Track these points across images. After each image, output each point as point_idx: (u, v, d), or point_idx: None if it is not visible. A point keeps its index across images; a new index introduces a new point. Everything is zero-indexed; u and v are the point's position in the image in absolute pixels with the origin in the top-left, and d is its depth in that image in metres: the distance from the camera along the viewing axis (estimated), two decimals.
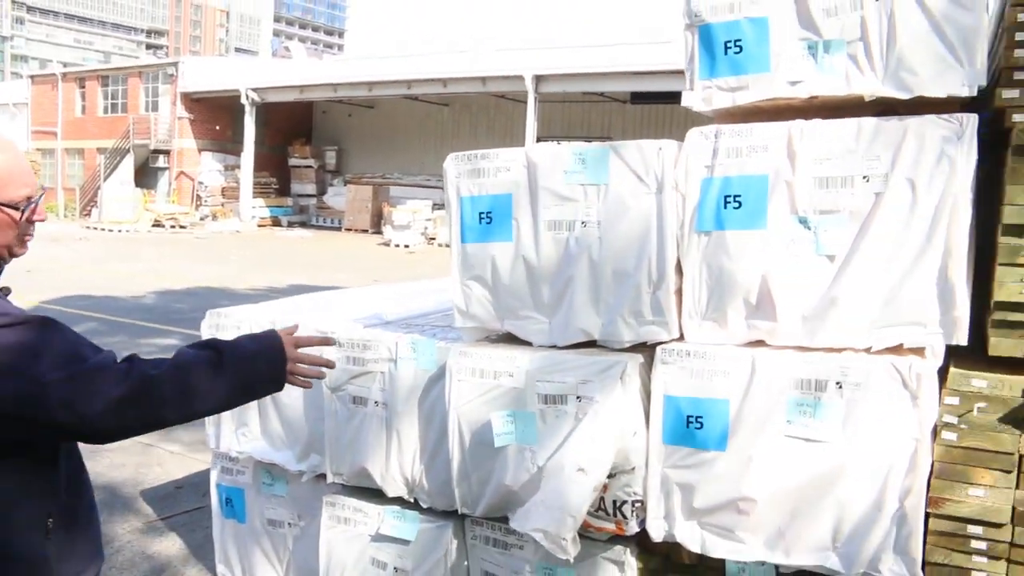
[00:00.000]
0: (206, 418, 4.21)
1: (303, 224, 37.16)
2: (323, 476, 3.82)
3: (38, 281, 15.66)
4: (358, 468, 3.66)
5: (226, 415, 4.12)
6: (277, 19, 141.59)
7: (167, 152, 37.78)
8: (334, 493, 3.79)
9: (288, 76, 35.97)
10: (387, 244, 28.64)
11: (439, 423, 3.41)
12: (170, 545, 4.92)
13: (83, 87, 41.71)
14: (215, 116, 37.61)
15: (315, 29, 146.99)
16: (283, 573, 4.19)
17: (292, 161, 38.98)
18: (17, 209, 1.90)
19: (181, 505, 5.41)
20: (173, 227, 32.63)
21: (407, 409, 3.51)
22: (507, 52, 32.35)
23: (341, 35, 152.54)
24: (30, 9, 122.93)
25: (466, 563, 3.56)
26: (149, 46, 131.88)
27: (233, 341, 2.17)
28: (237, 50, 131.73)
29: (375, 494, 3.67)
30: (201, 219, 35.24)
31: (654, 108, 30.54)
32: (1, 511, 1.85)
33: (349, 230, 34.42)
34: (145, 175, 38.30)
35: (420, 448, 3.51)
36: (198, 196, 37.35)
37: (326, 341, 2.64)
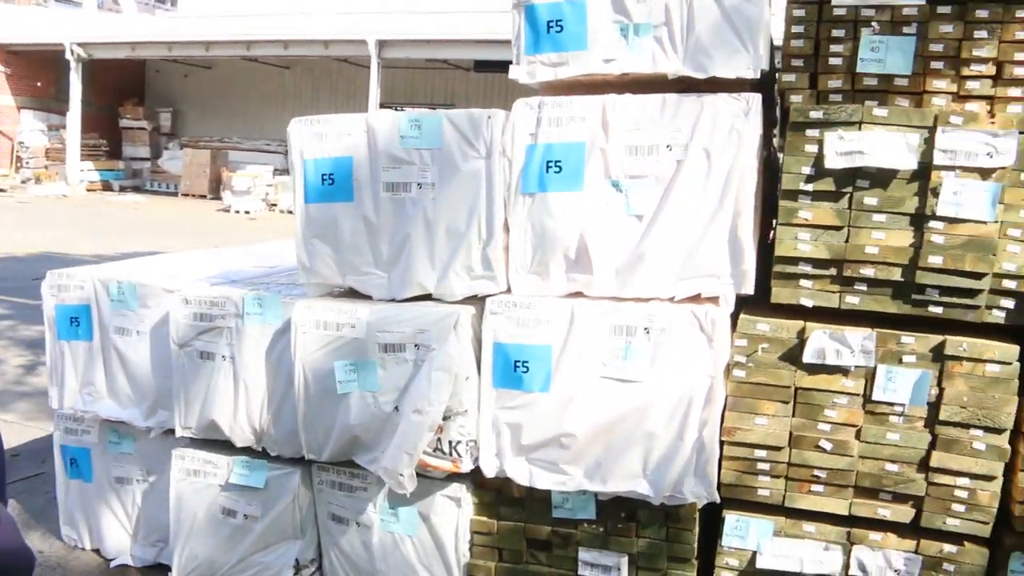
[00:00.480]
0: (49, 381, 4.26)
1: (136, 189, 35.54)
2: (171, 431, 3.93)
3: None
4: (207, 421, 3.79)
5: (69, 374, 4.15)
6: None
7: None
8: (183, 447, 3.91)
9: (118, 31, 34.09)
10: (227, 210, 27.85)
11: (285, 374, 3.60)
12: (9, 512, 4.88)
13: None
14: (36, 71, 35.27)
15: None
16: (131, 529, 4.27)
17: (123, 122, 37.08)
18: None
19: (19, 472, 5.35)
20: None
21: (254, 362, 3.67)
22: (350, 16, 31.80)
23: None
24: None
25: (314, 507, 3.78)
26: None
27: None
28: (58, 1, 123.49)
29: (224, 445, 3.83)
30: (23, 182, 33.15)
31: (497, 77, 30.79)
32: None
33: (186, 195, 33.21)
34: None
35: (267, 399, 3.68)
36: (19, 157, 35.05)
37: None
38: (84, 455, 4.29)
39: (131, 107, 37.14)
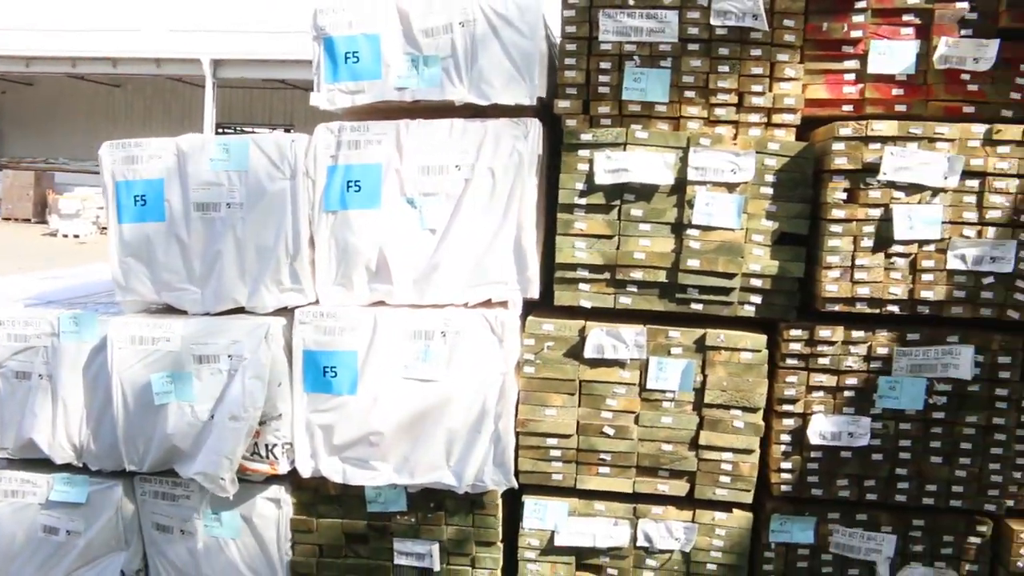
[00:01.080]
0: None
1: None
2: None
3: None
4: (24, 440, 3.84)
5: None
6: None
7: None
8: (1, 469, 3.94)
9: None
10: (54, 234, 26.64)
11: (103, 390, 3.70)
12: None
13: None
14: None
15: None
16: None
17: None
18: None
19: None
20: None
21: (72, 379, 3.75)
22: (183, 33, 31.08)
23: None
24: None
25: (138, 518, 3.88)
26: None
27: None
28: None
29: (43, 464, 3.88)
30: None
31: None
32: None
33: (7, 219, 31.58)
34: None
35: (86, 414, 3.77)
36: None
37: None
38: None
39: None
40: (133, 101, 34.36)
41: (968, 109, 3.38)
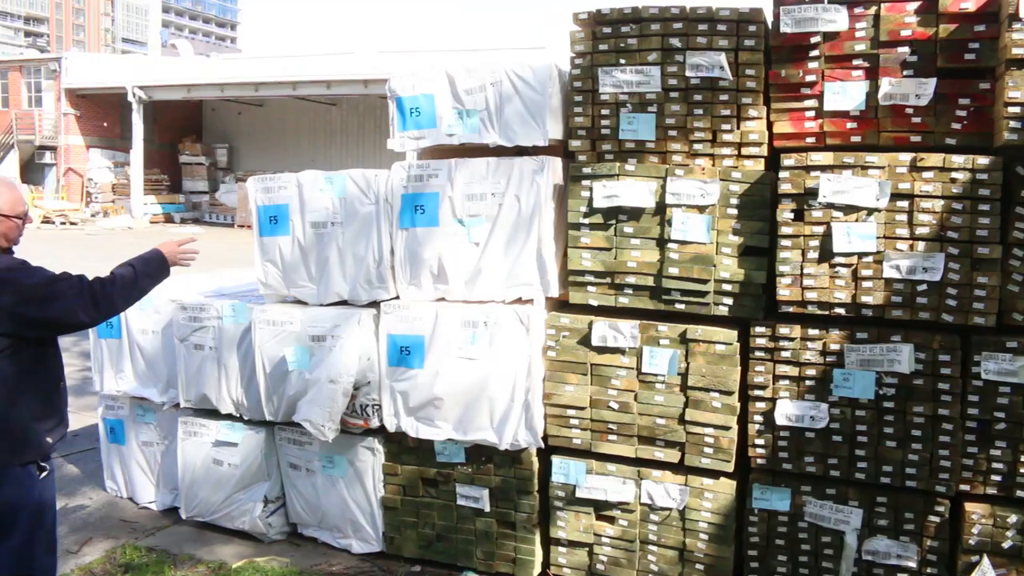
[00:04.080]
0: (93, 371, 5.65)
1: (196, 220, 37.47)
2: (178, 404, 5.36)
3: None
4: (200, 395, 5.20)
5: (107, 364, 5.60)
6: (166, 9, 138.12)
7: (53, 148, 37.74)
8: (186, 415, 5.32)
9: (175, 75, 36.25)
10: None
11: (251, 359, 4.98)
12: (70, 471, 6.34)
13: None
14: (102, 113, 37.69)
15: (206, 20, 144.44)
16: (155, 480, 5.68)
17: (183, 158, 39.28)
18: (21, 219, 3.43)
19: (78, 447, 6.82)
20: (63, 223, 32.82)
21: (230, 351, 5.07)
22: (388, 55, 33.49)
23: (233, 27, 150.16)
24: None
25: (276, 457, 5.15)
26: (28, 34, 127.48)
27: (139, 257, 3.65)
28: (124, 40, 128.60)
29: (213, 413, 5.23)
30: (92, 216, 35.42)
31: None
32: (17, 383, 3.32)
33: (241, 226, 34.88)
34: (31, 171, 38.20)
35: (240, 377, 5.07)
36: (88, 193, 37.45)
37: (191, 239, 3.96)
38: (119, 425, 5.74)
39: (190, 144, 39.22)
40: (347, 118, 36.92)
41: (916, 138, 3.91)
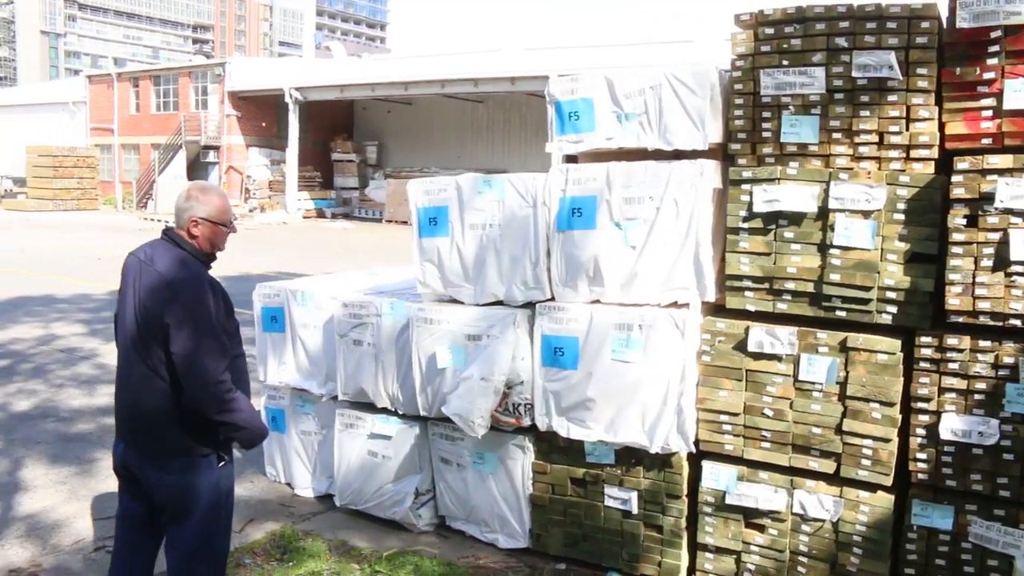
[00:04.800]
0: (257, 362, 5.96)
1: (346, 216, 38.84)
2: (336, 397, 5.58)
3: (108, 270, 17.69)
4: (358, 389, 5.41)
5: (270, 356, 5.90)
6: (320, 13, 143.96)
7: (217, 148, 39.86)
8: (344, 408, 5.55)
9: (329, 76, 37.70)
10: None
11: (407, 356, 5.14)
12: (234, 455, 6.71)
13: (137, 86, 43.95)
14: (261, 113, 39.59)
15: (357, 22, 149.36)
16: (311, 468, 5.95)
17: (335, 156, 40.79)
18: (227, 226, 3.65)
19: None
20: None
21: (388, 347, 5.25)
22: (534, 52, 33.78)
23: (383, 27, 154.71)
24: (81, 7, 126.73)
25: (428, 451, 5.31)
26: (195, 41, 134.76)
27: (253, 416, 3.70)
28: (281, 43, 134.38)
29: (369, 406, 5.42)
30: (250, 211, 37.19)
31: None
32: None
33: (390, 222, 35.96)
34: (196, 169, 40.42)
35: (396, 373, 5.24)
36: (247, 189, 39.38)
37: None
38: (280, 414, 6.04)
39: (341, 142, 40.68)
40: (494, 115, 37.48)
41: None
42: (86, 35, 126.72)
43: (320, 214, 38.16)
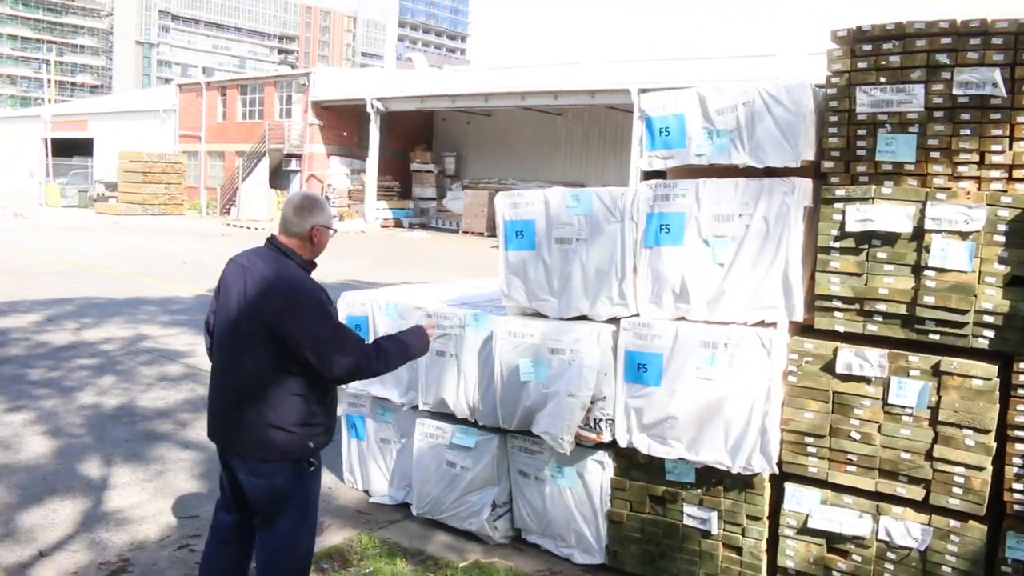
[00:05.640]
0: None
1: (423, 226, 39.26)
2: (417, 407, 5.64)
3: (193, 274, 18.20)
4: (439, 399, 5.46)
5: None
6: (402, 24, 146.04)
7: (299, 156, 40.67)
8: (424, 417, 5.60)
9: (410, 86, 38.19)
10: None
11: (490, 368, 5.17)
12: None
13: (224, 95, 45.18)
14: (343, 123, 40.30)
15: (438, 34, 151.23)
16: (389, 475, 6.02)
17: (413, 166, 41.26)
18: (330, 228, 3.78)
19: None
20: None
21: (470, 359, 5.29)
22: (614, 65, 33.72)
23: (463, 39, 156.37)
24: (174, 18, 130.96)
25: (507, 464, 5.33)
26: (281, 51, 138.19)
27: (405, 334, 3.95)
28: (363, 54, 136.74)
29: (449, 417, 5.47)
30: None
31: None
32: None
33: (466, 232, 36.25)
34: (279, 177, 41.32)
35: (478, 384, 5.28)
36: (327, 198, 40.00)
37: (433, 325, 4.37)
38: (361, 421, 6.12)
39: (420, 152, 41.16)
40: (572, 128, 37.53)
41: None
42: (178, 45, 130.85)
43: (398, 224, 38.63)
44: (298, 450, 3.66)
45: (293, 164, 41.22)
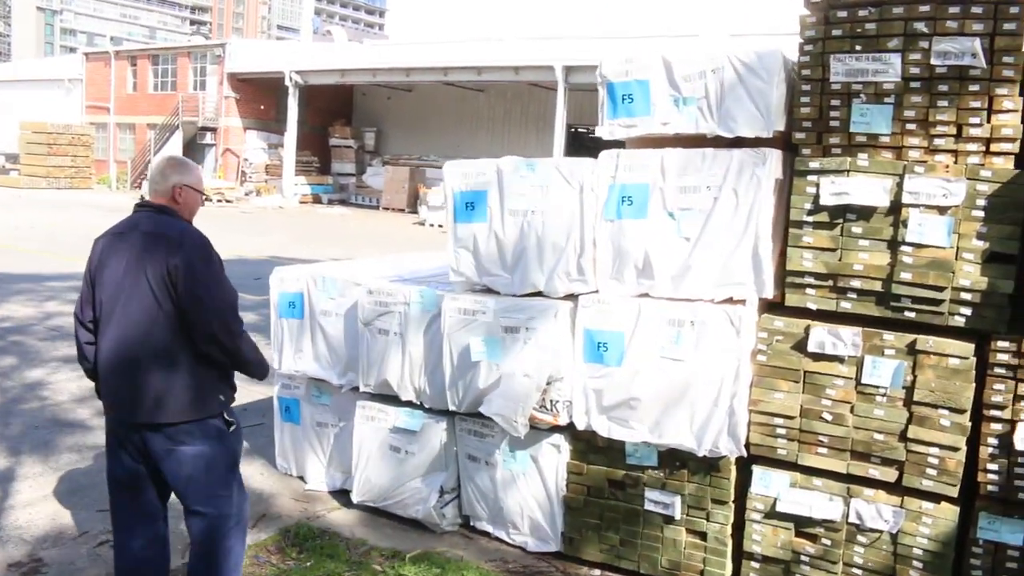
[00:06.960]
0: (272, 349, 5.71)
1: (343, 202, 38.59)
2: (357, 388, 5.32)
3: None
4: (381, 380, 5.15)
5: (286, 343, 5.64)
6: None
7: (214, 129, 39.45)
8: (365, 399, 5.29)
9: (330, 60, 37.36)
10: (422, 223, 30.00)
11: (437, 347, 4.89)
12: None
13: (134, 65, 43.49)
14: (260, 96, 39.21)
15: (356, 8, 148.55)
16: (326, 462, 5.70)
17: (333, 141, 40.45)
18: (203, 194, 3.57)
19: (247, 420, 6.94)
20: (219, 201, 34.18)
21: (416, 338, 5.00)
22: (538, 41, 33.46)
23: (382, 15, 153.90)
24: None
25: (455, 448, 5.06)
26: (193, 22, 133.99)
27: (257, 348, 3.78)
28: (279, 27, 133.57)
29: (393, 399, 5.17)
30: (246, 194, 36.85)
31: None
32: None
33: (387, 209, 35.79)
34: (193, 151, 39.95)
35: (424, 365, 5.00)
36: (243, 172, 39.00)
37: None
38: (295, 404, 5.78)
39: (340, 127, 40.38)
40: (495, 104, 37.24)
41: None
42: (83, 13, 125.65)
43: (316, 199, 37.88)
44: (215, 404, 3.59)
45: (208, 138, 39.98)
